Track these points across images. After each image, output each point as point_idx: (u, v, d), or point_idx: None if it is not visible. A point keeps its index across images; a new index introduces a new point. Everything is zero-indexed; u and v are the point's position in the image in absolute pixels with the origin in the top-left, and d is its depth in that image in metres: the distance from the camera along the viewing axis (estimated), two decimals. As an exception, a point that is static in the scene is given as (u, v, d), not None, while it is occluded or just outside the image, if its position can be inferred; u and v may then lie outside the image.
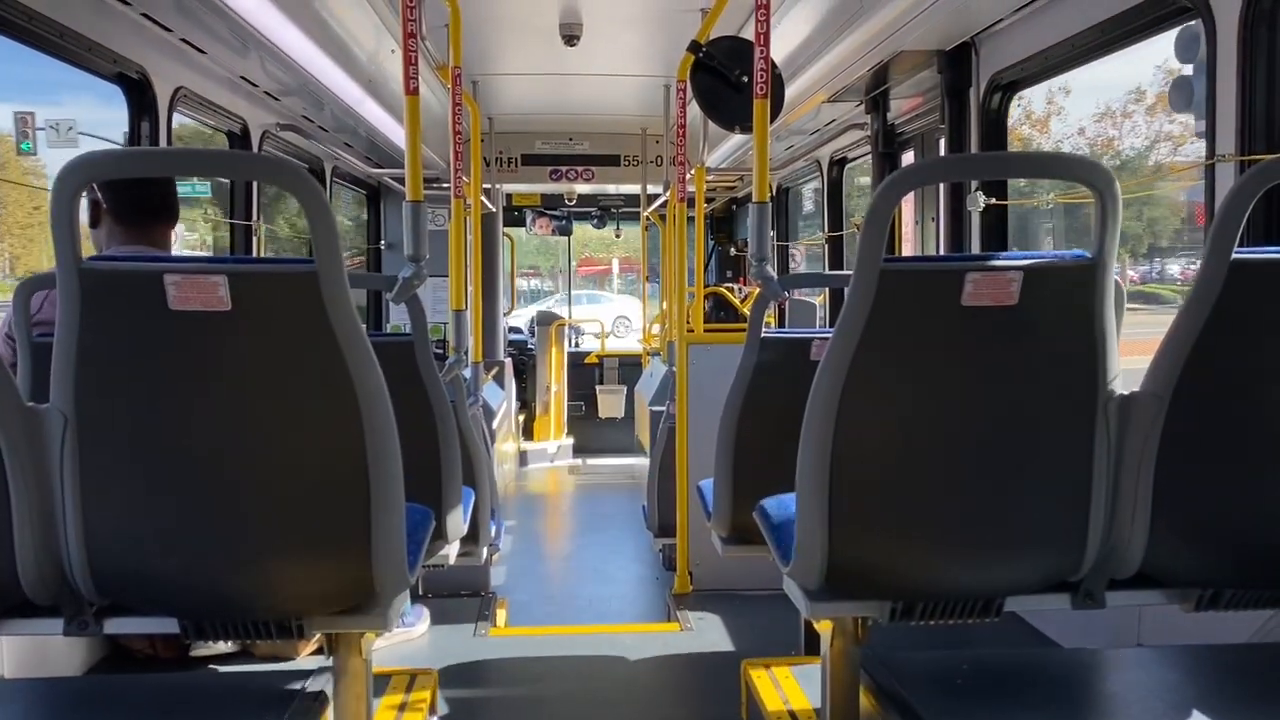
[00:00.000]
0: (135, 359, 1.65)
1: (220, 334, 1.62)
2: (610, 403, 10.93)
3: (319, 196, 1.62)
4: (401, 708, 2.77)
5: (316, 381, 1.67)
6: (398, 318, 8.18)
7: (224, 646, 3.30)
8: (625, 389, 10.81)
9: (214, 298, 1.59)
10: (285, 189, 1.64)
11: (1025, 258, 1.74)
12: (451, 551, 2.84)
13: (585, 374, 11.06)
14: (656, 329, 9.02)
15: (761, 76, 2.90)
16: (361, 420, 1.67)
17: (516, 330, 11.79)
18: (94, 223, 2.96)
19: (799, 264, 8.98)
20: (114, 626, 1.82)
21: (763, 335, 2.89)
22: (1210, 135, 2.83)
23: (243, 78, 4.73)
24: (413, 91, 2.81)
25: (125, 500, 1.70)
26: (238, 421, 1.68)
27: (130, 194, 2.93)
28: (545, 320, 10.79)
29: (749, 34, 4.73)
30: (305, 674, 2.00)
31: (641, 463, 7.99)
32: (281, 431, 1.69)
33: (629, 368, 10.83)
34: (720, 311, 9.13)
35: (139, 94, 3.90)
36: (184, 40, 3.99)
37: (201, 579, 1.74)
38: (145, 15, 3.67)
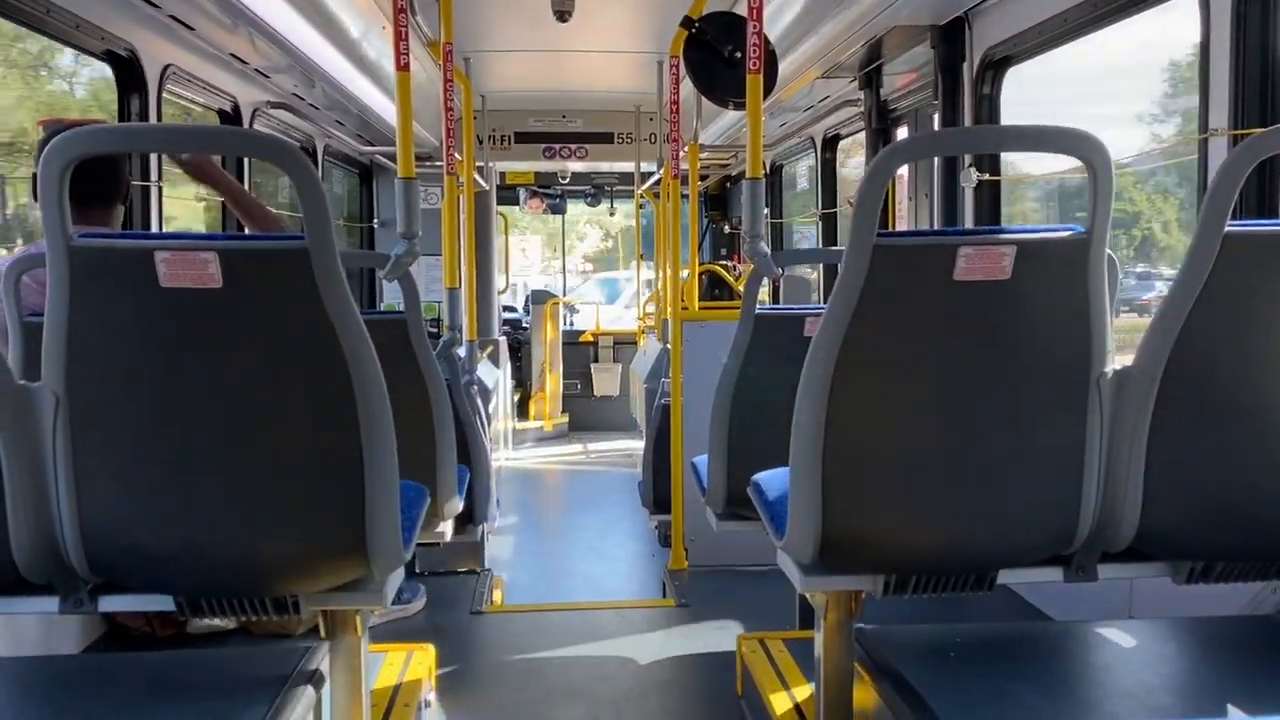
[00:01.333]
0: (126, 337, 1.64)
1: (211, 311, 1.62)
2: (605, 380, 10.94)
3: (309, 172, 1.61)
4: (398, 684, 2.79)
5: (309, 358, 1.66)
6: (391, 297, 8.17)
7: (222, 624, 3.31)
8: (620, 367, 10.82)
9: (204, 274, 1.58)
10: (275, 165, 1.63)
11: (1018, 232, 1.73)
12: (447, 529, 2.85)
13: (580, 352, 11.06)
14: (651, 307, 9.01)
15: (755, 51, 2.88)
16: (355, 397, 1.67)
17: (511, 309, 11.78)
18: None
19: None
20: (109, 604, 1.82)
21: (757, 312, 2.89)
22: (1203, 109, 2.82)
23: (232, 55, 4.70)
24: (403, 67, 2.79)
25: (118, 478, 1.70)
26: (230, 399, 1.67)
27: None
28: (540, 299, 10.78)
29: (742, 9, 4.72)
30: (302, 651, 2.01)
31: (636, 440, 8.00)
32: (274, 409, 1.69)
33: (624, 346, 10.84)
34: (715, 289, 9.12)
35: (128, 72, 3.87)
36: (172, 17, 3.96)
37: (195, 557, 1.74)
38: None
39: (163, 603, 1.82)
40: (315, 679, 1.93)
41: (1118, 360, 1.84)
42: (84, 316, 1.61)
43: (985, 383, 1.80)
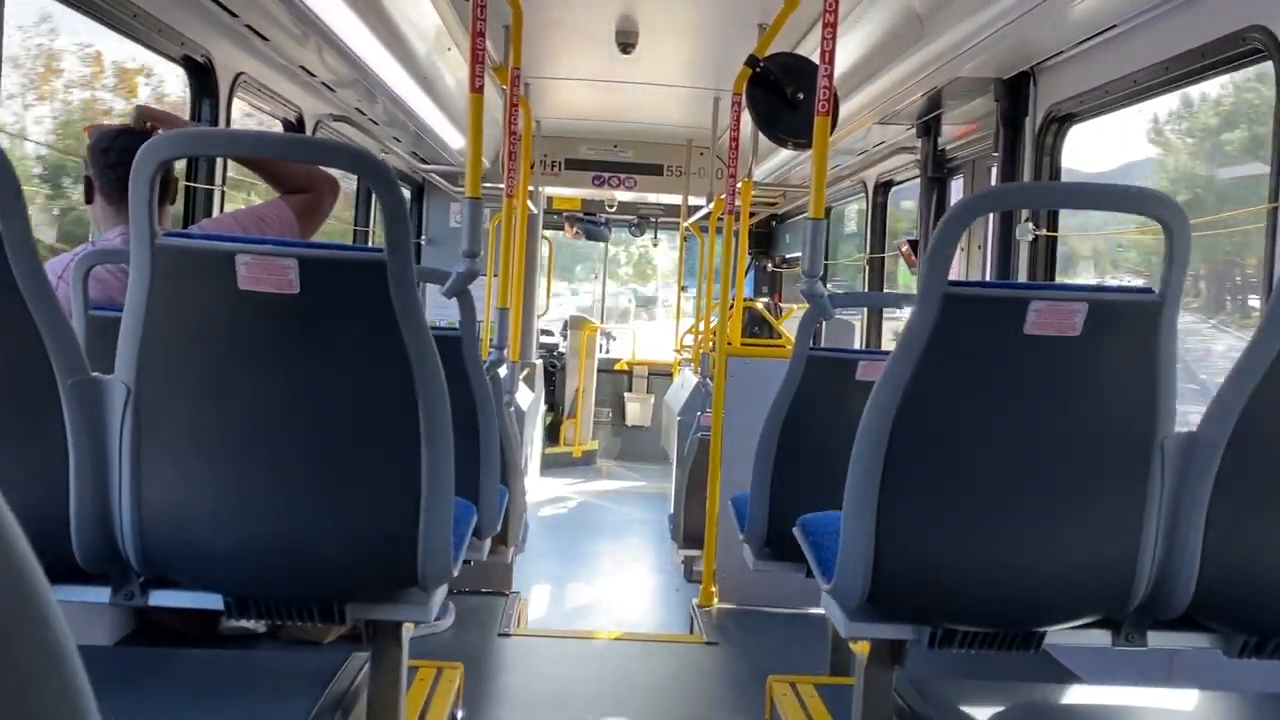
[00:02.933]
0: (200, 335, 1.67)
1: (286, 316, 1.64)
2: (638, 410, 10.96)
3: (395, 187, 1.63)
4: (428, 700, 2.78)
5: (377, 369, 1.68)
6: (434, 313, 8.22)
7: (252, 627, 3.33)
8: (653, 398, 10.83)
9: (283, 280, 1.61)
10: (361, 177, 1.66)
11: (1091, 289, 1.73)
12: (484, 548, 2.85)
13: (614, 380, 11.09)
14: (689, 340, 9.03)
15: (824, 94, 2.90)
16: (419, 410, 1.68)
17: (548, 333, 11.84)
18: (89, 198, 2.90)
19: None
20: (159, 599, 1.83)
21: (808, 352, 2.88)
22: (1275, 179, 2.80)
23: (301, 67, 4.78)
24: (477, 90, 2.83)
25: (179, 474, 1.72)
26: (296, 403, 1.69)
27: (116, 173, 2.76)
28: (578, 324, 10.82)
29: (804, 51, 4.75)
30: (340, 659, 2.01)
31: (666, 471, 7.99)
32: (339, 416, 1.71)
33: (658, 377, 10.85)
34: (755, 326, 9.12)
35: (202, 78, 3.95)
36: (248, 26, 4.03)
37: (248, 557, 1.76)
38: None
39: (211, 601, 1.83)
40: (353, 689, 1.94)
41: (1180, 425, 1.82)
42: (161, 312, 1.64)
43: (1048, 439, 1.79)
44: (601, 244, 12.47)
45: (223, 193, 4.12)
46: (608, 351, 11.95)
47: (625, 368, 11.24)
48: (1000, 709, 1.97)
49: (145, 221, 1.61)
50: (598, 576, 6.45)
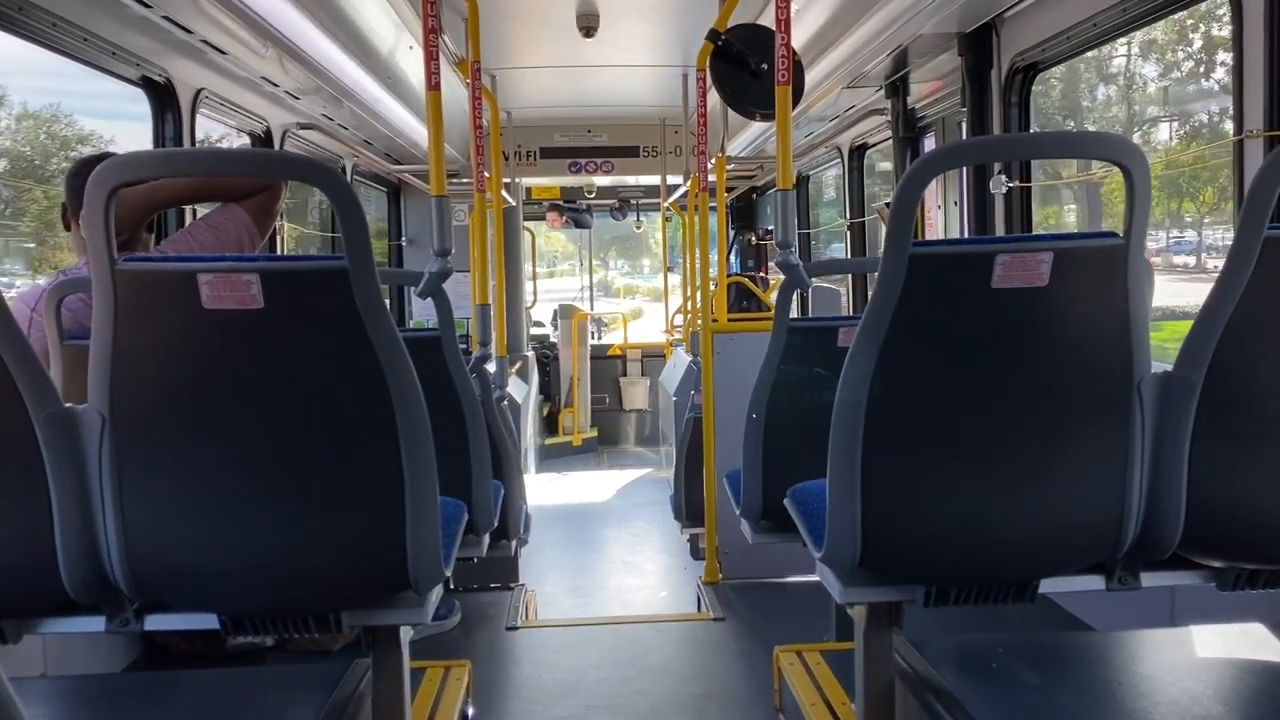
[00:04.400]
0: (170, 358, 1.66)
1: (253, 332, 1.63)
2: (634, 394, 10.98)
3: (349, 194, 1.63)
4: (437, 700, 2.80)
5: (349, 377, 1.68)
6: (420, 314, 8.22)
7: (259, 641, 3.34)
8: (649, 380, 10.85)
9: (246, 296, 1.60)
10: (316, 187, 1.65)
11: (1055, 238, 1.73)
12: (483, 545, 2.86)
13: (609, 366, 11.10)
14: (679, 320, 9.03)
15: (783, 63, 2.88)
16: (395, 415, 1.68)
17: (539, 324, 11.84)
18: (67, 225, 2.90)
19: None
20: (155, 623, 1.83)
21: (789, 323, 2.88)
22: (1238, 111, 2.80)
23: (263, 78, 4.76)
24: (434, 87, 2.81)
25: (162, 498, 1.71)
26: (273, 418, 1.69)
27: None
28: (568, 313, 10.82)
29: (766, 21, 4.73)
30: (343, 667, 2.02)
31: (668, 453, 8.01)
32: (316, 427, 1.70)
33: (652, 359, 10.87)
34: (743, 301, 9.13)
35: (162, 98, 3.93)
36: (205, 41, 4.01)
37: (239, 575, 1.76)
38: (167, 18, 3.69)
39: (207, 621, 1.83)
40: (357, 696, 1.94)
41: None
42: (129, 339, 1.63)
43: (1025, 389, 1.79)
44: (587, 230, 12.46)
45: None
46: (599, 338, 11.95)
47: (619, 352, 11.25)
48: (997, 661, 1.98)
49: (103, 248, 1.60)
50: (605, 562, 6.48)
